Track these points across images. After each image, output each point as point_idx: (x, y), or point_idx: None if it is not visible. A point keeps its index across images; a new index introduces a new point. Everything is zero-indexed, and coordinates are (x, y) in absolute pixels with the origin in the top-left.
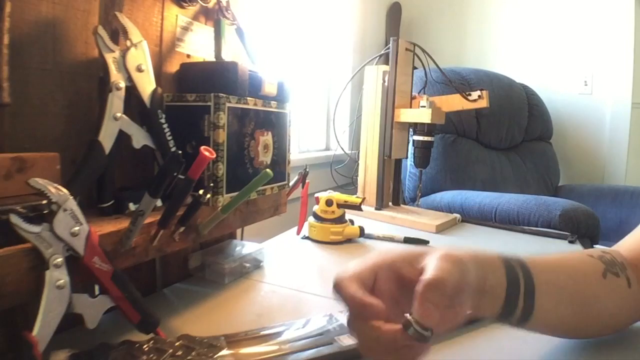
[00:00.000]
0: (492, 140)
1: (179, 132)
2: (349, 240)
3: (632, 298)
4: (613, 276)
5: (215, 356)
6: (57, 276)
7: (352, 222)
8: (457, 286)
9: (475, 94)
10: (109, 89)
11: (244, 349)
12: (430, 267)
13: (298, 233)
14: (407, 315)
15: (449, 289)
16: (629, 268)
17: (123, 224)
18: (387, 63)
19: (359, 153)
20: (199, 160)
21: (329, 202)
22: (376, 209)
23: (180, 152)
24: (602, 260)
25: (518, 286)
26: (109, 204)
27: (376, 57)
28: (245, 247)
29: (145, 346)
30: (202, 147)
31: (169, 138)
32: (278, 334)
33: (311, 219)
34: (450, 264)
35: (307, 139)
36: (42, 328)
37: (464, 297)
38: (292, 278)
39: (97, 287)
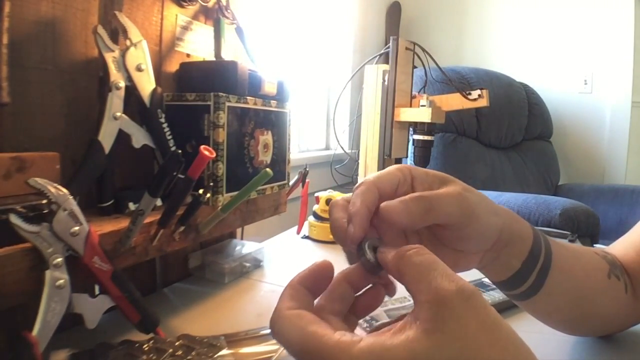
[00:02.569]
0: (492, 139)
1: (178, 131)
2: None
3: (625, 304)
4: (615, 279)
5: (215, 356)
6: (57, 276)
7: None
8: (449, 215)
9: (475, 93)
10: (109, 88)
11: (244, 349)
12: (439, 189)
13: (298, 232)
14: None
15: (435, 210)
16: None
17: (123, 223)
18: (387, 62)
19: (359, 152)
20: (198, 159)
21: (329, 202)
22: None
23: (180, 151)
24: (606, 260)
25: (536, 261)
26: (108, 203)
27: (376, 56)
28: (245, 246)
29: (145, 346)
30: (202, 147)
31: (169, 137)
32: None
33: (311, 218)
34: (457, 201)
35: (307, 139)
36: (42, 328)
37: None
38: (292, 277)
39: (97, 287)
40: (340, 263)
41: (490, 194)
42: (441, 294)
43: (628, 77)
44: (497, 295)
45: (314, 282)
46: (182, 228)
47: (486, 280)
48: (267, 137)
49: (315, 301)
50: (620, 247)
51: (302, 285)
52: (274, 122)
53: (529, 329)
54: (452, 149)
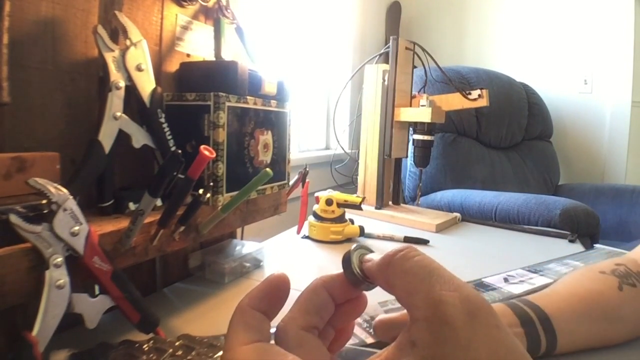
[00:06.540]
0: (492, 139)
1: (178, 131)
2: (349, 240)
3: None
4: (629, 287)
5: (215, 356)
6: (57, 276)
7: (352, 221)
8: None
9: (475, 93)
10: (109, 88)
11: None
12: None
13: (298, 232)
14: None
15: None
16: None
17: (123, 223)
18: (387, 62)
19: (359, 152)
20: (198, 159)
21: (329, 202)
22: (376, 208)
23: (180, 151)
24: (615, 274)
25: (531, 319)
26: (108, 203)
27: (376, 56)
28: (245, 246)
29: (145, 346)
30: (202, 147)
31: (169, 137)
32: None
33: (311, 218)
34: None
35: (307, 138)
36: (42, 328)
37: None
38: (292, 277)
39: (97, 287)
40: (338, 262)
41: (490, 194)
42: (441, 308)
43: (628, 77)
44: (496, 295)
45: (269, 302)
46: (182, 228)
47: (486, 280)
48: (267, 137)
49: (287, 313)
50: None
51: (254, 307)
52: (274, 122)
53: None
54: (452, 148)
